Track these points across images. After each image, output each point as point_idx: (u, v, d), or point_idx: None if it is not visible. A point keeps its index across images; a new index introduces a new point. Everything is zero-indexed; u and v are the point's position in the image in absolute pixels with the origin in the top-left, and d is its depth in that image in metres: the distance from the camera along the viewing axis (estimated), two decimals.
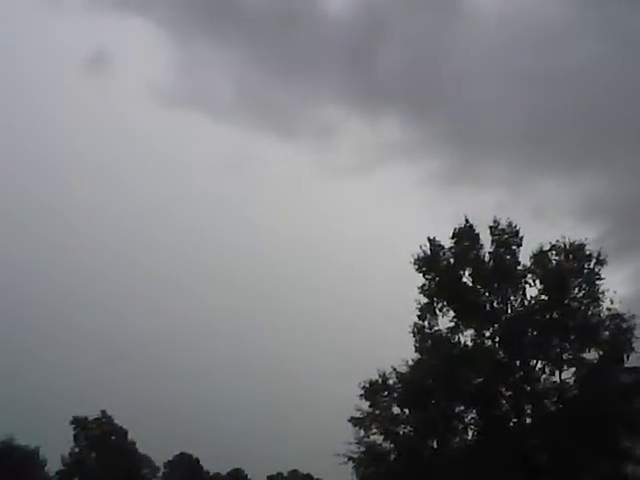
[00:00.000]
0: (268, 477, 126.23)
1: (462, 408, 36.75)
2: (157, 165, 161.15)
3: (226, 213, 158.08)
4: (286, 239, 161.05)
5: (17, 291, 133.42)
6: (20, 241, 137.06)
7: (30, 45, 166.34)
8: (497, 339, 36.70)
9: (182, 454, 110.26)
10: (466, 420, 36.80)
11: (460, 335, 36.77)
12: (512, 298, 36.79)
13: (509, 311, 36.79)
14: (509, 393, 36.38)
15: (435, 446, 37.38)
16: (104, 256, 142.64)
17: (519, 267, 37.01)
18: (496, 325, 36.68)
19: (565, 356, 36.15)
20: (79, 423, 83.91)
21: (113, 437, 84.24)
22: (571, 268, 36.25)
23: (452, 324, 36.68)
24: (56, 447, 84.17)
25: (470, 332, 36.73)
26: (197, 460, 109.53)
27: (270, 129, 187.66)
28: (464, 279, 37.17)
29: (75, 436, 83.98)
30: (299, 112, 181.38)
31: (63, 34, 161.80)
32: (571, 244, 36.40)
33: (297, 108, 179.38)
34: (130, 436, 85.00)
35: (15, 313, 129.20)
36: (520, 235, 37.26)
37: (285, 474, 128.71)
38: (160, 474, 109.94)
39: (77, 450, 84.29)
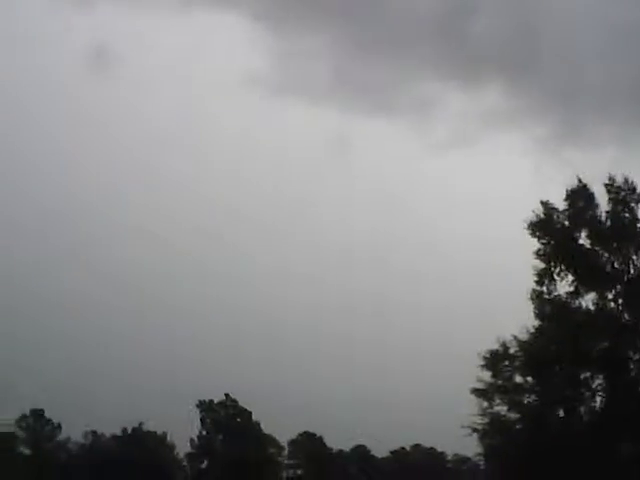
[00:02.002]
0: (391, 452, 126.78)
1: (588, 374, 35.61)
2: (259, 152, 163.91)
3: (332, 193, 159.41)
4: (395, 215, 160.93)
5: (136, 288, 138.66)
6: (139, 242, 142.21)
7: (131, 45, 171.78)
8: (620, 301, 35.37)
9: (306, 433, 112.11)
10: (593, 387, 35.68)
11: (581, 299, 35.62)
12: (634, 257, 35.36)
13: (631, 271, 35.37)
14: (637, 357, 35.05)
15: (562, 414, 36.43)
16: (228, 256, 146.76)
17: (639, 225, 35.52)
18: (618, 287, 35.37)
19: None
20: (205, 407, 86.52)
21: (238, 419, 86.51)
22: None
23: (572, 288, 35.52)
24: (184, 431, 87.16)
25: (591, 295, 35.52)
26: (320, 438, 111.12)
27: (369, 108, 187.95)
28: (581, 241, 35.94)
29: (202, 419, 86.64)
30: (397, 89, 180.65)
31: (159, 33, 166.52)
32: None
33: (395, 85, 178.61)
34: (254, 417, 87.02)
35: (141, 308, 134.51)
36: (638, 192, 35.69)
37: (408, 449, 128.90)
38: (285, 453, 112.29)
39: (204, 433, 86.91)
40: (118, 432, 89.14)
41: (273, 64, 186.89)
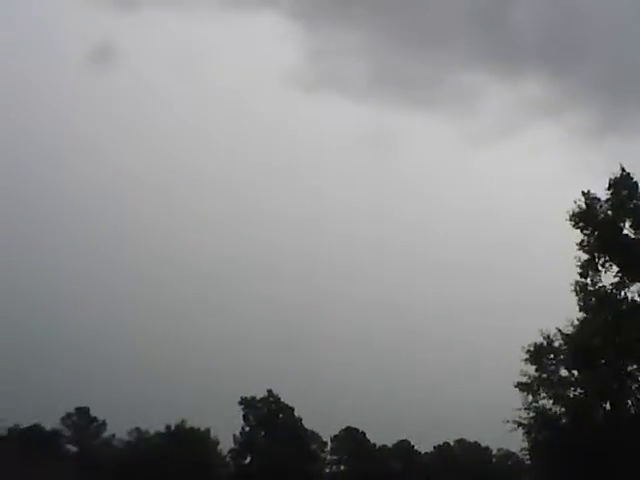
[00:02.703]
0: (435, 447, 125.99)
1: (635, 367, 34.99)
2: (298, 148, 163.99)
3: (374, 189, 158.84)
4: (443, 207, 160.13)
5: (175, 287, 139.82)
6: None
7: (153, 43, 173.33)
8: None
9: (348, 428, 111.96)
10: None
11: (626, 290, 34.98)
12: None
13: None
14: None
15: (608, 408, 35.80)
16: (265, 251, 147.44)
17: None
18: None
19: None
20: (247, 403, 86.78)
21: (280, 415, 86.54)
22: None
23: (617, 279, 34.95)
24: (227, 427, 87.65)
25: (637, 286, 34.87)
26: (363, 433, 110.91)
27: (409, 102, 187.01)
28: (625, 231, 35.27)
29: (244, 416, 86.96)
30: (437, 82, 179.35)
31: (196, 32, 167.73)
32: None
33: (434, 78, 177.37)
34: (296, 413, 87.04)
35: (184, 307, 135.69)
36: None
37: (452, 444, 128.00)
38: (328, 449, 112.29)
39: (247, 429, 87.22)
40: (162, 429, 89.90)
41: (311, 61, 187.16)
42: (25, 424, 79.90)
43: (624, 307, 34.52)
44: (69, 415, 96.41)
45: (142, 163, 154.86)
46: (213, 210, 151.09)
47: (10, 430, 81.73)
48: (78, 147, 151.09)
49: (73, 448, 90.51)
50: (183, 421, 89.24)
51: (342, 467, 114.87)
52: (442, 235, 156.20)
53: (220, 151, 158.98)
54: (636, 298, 34.77)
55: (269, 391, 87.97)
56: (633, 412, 35.13)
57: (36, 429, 76.35)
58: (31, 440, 65.49)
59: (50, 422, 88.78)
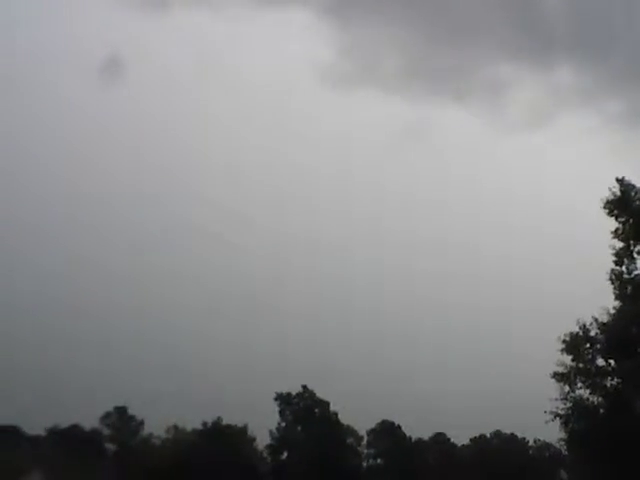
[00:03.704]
0: (471, 439, 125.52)
1: None
2: (334, 143, 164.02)
3: (407, 180, 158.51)
4: (475, 197, 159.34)
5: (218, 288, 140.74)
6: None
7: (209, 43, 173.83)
8: None
9: (384, 422, 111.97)
10: None
11: None
12: None
13: None
14: None
15: None
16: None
17: None
18: None
19: None
20: (283, 399, 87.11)
21: (316, 410, 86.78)
22: None
23: None
24: (263, 423, 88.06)
25: None
26: (399, 427, 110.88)
27: (442, 95, 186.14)
28: None
29: (280, 412, 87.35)
30: (469, 74, 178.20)
31: (226, 32, 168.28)
32: None
33: (466, 70, 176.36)
34: (332, 407, 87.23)
35: (216, 304, 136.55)
36: None
37: (488, 436, 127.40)
38: (364, 442, 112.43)
39: (283, 425, 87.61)
40: (199, 427, 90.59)
41: (343, 56, 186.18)
42: (64, 424, 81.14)
43: None
44: (108, 414, 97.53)
45: (177, 161, 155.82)
46: (252, 208, 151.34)
47: (49, 430, 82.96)
48: (114, 150, 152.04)
49: (112, 447, 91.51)
50: (219, 418, 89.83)
51: (379, 461, 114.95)
52: (474, 223, 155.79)
53: (255, 149, 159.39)
54: None
55: (304, 387, 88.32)
56: None
57: (76, 429, 77.42)
58: (71, 440, 66.46)
59: (89, 422, 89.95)
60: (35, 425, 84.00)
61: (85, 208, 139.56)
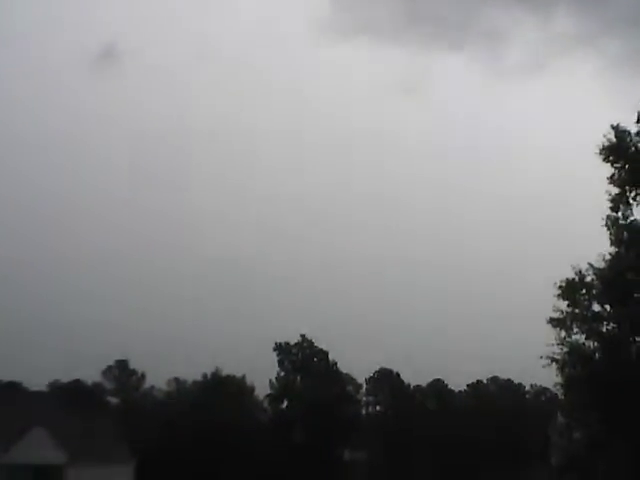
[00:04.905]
0: (468, 385, 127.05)
1: None
2: (333, 96, 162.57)
3: (406, 130, 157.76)
4: (476, 144, 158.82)
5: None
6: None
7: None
8: None
9: (382, 369, 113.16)
10: None
11: None
12: None
13: None
14: None
15: None
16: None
17: None
18: None
19: None
20: (282, 349, 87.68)
21: (315, 359, 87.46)
22: None
23: None
24: (262, 374, 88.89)
25: None
26: (397, 374, 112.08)
27: (439, 44, 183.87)
28: None
29: (279, 361, 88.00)
30: (468, 22, 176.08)
31: None
32: None
33: (465, 18, 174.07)
34: (331, 357, 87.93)
35: (214, 254, 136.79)
36: None
37: (485, 382, 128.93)
38: (363, 390, 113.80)
39: (282, 374, 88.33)
40: (199, 378, 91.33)
41: (337, 7, 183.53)
42: (66, 379, 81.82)
43: None
44: (109, 368, 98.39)
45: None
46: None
47: (51, 385, 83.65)
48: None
49: (114, 400, 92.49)
50: (218, 369, 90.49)
51: (378, 408, 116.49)
52: (474, 169, 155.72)
53: (249, 108, 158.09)
54: None
55: (302, 336, 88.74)
56: None
57: (77, 384, 78.08)
58: (73, 395, 67.05)
59: (91, 376, 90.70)
60: (37, 381, 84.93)
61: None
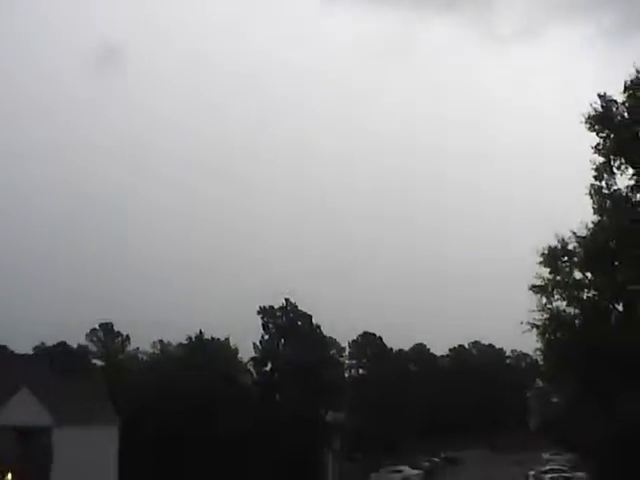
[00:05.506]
0: (450, 350, 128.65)
1: None
2: (318, 55, 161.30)
3: (394, 93, 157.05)
4: (464, 109, 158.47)
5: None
6: None
7: None
8: None
9: (365, 333, 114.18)
10: None
11: None
12: None
13: None
14: None
15: (622, 310, 36.35)
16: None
17: None
18: None
19: None
20: (266, 312, 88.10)
21: (299, 323, 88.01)
22: None
23: (632, 182, 34.85)
24: (246, 337, 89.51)
25: None
26: (380, 338, 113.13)
27: (428, 5, 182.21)
28: None
29: (263, 325, 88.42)
30: None
31: None
32: None
33: None
34: (314, 320, 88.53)
35: (201, 210, 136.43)
36: None
37: (466, 346, 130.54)
38: (346, 354, 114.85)
39: (267, 337, 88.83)
40: (184, 341, 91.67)
41: None
42: (51, 342, 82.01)
43: (639, 210, 34.57)
44: (94, 331, 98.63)
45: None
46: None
47: (36, 348, 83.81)
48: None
49: (99, 363, 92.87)
50: (201, 332, 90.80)
51: (360, 371, 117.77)
52: (460, 133, 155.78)
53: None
54: None
55: (286, 300, 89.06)
56: None
57: (62, 346, 78.28)
58: (58, 357, 67.32)
59: (76, 339, 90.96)
60: (22, 344, 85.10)
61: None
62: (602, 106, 34.80)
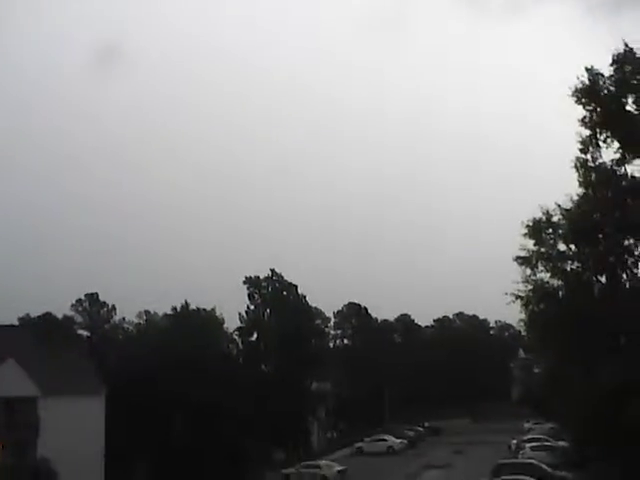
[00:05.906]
0: (434, 320, 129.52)
1: (632, 241, 35.66)
2: (298, 28, 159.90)
3: (386, 66, 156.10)
4: (451, 85, 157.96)
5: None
6: None
7: None
8: None
9: (350, 304, 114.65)
10: (636, 253, 35.78)
11: (627, 166, 35.20)
12: None
13: None
14: None
15: (605, 281, 36.73)
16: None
17: None
18: None
19: None
20: (252, 282, 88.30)
21: (284, 293, 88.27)
22: None
23: (617, 155, 35.06)
24: (232, 307, 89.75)
25: (637, 162, 35.04)
26: (365, 308, 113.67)
27: None
28: (628, 107, 35.06)
29: (249, 295, 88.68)
30: None
31: None
32: None
33: None
34: (300, 291, 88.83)
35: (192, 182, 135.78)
36: None
37: (451, 317, 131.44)
38: (331, 324, 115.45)
39: (252, 308, 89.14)
40: (169, 311, 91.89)
41: None
42: (36, 313, 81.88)
43: (624, 183, 34.82)
44: (79, 301, 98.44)
45: None
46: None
47: (22, 319, 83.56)
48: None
49: (85, 333, 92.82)
50: (187, 302, 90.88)
51: (345, 341, 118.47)
52: (450, 111, 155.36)
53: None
54: (636, 174, 35.01)
55: (272, 270, 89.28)
56: (629, 285, 36.09)
57: (48, 317, 78.14)
58: (44, 327, 67.21)
59: (61, 309, 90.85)
60: (7, 314, 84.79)
61: None
62: (589, 79, 34.89)
